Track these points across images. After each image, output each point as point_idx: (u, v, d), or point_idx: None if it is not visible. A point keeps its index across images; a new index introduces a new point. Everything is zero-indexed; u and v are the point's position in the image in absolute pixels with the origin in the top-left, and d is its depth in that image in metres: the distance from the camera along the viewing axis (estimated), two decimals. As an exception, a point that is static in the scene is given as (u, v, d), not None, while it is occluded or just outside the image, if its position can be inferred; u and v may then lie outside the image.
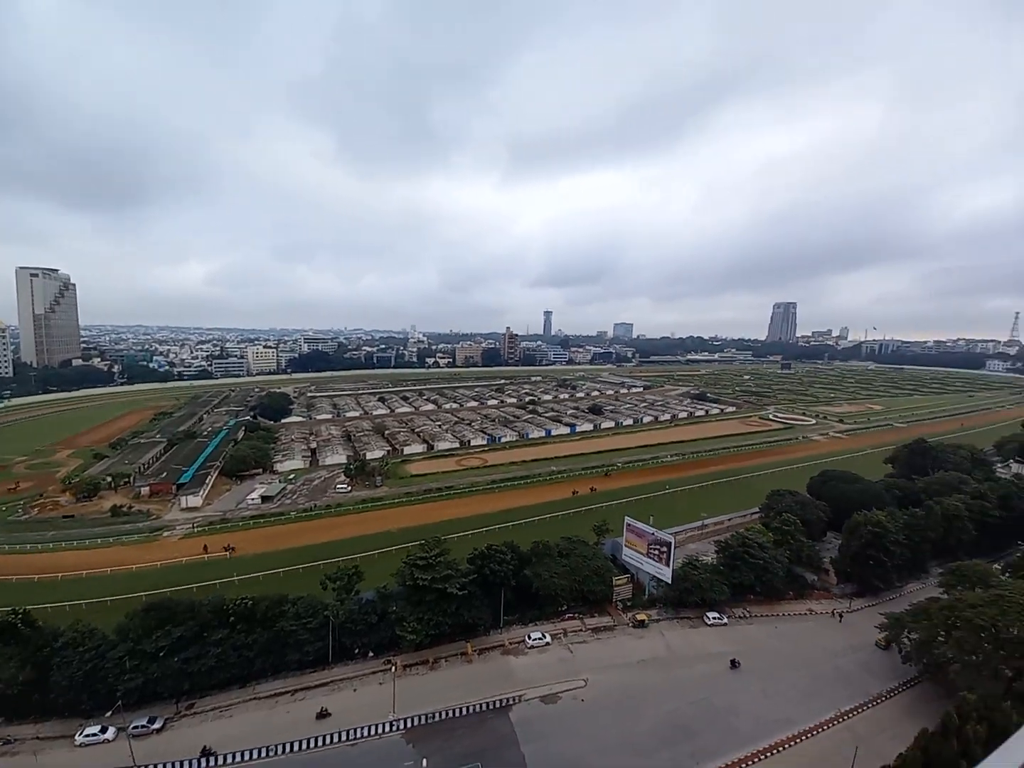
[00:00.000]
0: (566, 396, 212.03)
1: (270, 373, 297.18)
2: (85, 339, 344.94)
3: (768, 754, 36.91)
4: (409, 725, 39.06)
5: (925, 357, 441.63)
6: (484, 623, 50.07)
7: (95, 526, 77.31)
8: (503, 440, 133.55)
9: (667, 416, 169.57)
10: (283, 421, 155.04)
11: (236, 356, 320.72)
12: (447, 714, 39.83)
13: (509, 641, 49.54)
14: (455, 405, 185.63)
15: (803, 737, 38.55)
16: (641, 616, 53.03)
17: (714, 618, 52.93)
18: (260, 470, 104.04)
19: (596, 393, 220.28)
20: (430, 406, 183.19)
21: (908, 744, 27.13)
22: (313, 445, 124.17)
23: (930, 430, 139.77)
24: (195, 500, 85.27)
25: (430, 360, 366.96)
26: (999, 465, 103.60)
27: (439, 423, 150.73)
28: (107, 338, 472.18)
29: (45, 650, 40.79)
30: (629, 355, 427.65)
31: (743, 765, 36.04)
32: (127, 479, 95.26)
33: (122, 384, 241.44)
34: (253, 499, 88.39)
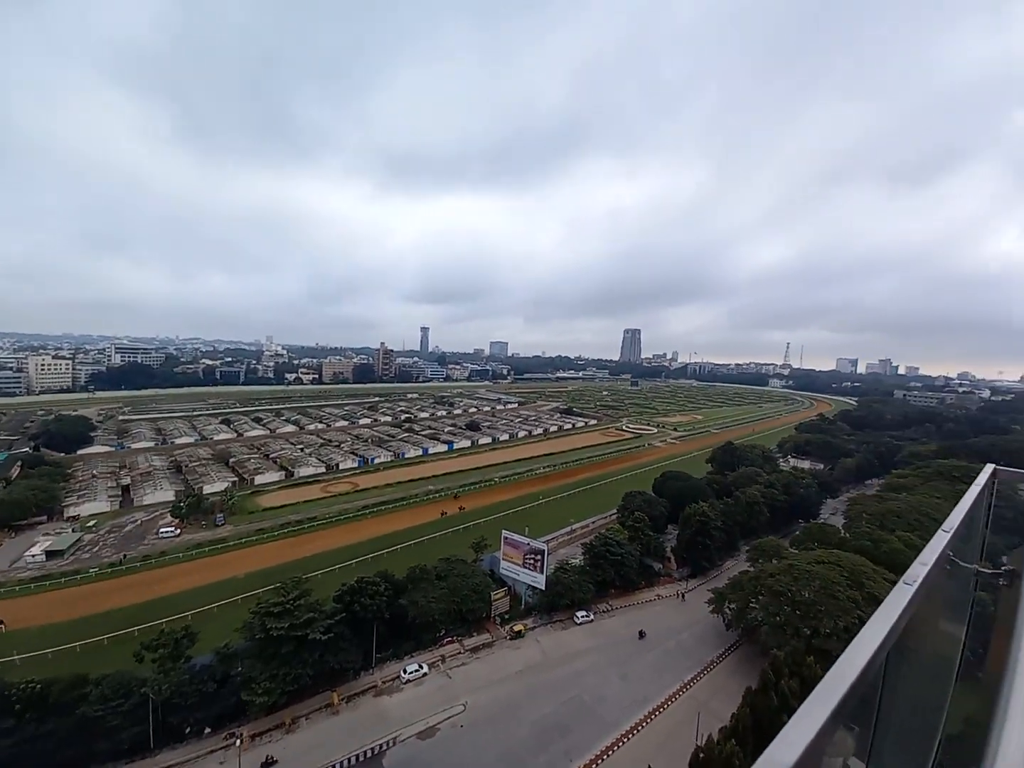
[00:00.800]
0: (443, 413, 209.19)
1: (63, 391, 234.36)
2: None
3: (630, 736, 40.36)
4: (262, 805, 33.36)
5: (729, 376, 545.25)
6: (354, 666, 45.56)
7: None
8: (376, 461, 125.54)
9: (540, 430, 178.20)
10: (80, 452, 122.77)
11: (11, 369, 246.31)
12: (309, 780, 35.06)
13: (382, 680, 45.94)
14: (321, 426, 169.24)
15: (657, 712, 43.13)
16: (518, 627, 54.04)
17: (582, 616, 56.46)
18: (44, 517, 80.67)
19: (474, 409, 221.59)
20: (290, 427, 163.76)
21: (738, 703, 32.19)
22: (126, 481, 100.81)
23: (735, 434, 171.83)
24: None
25: (291, 376, 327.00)
26: (781, 460, 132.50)
27: (301, 446, 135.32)
28: None
29: None
30: (505, 372, 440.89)
31: (610, 751, 38.79)
32: None
33: None
34: (34, 556, 67.72)
